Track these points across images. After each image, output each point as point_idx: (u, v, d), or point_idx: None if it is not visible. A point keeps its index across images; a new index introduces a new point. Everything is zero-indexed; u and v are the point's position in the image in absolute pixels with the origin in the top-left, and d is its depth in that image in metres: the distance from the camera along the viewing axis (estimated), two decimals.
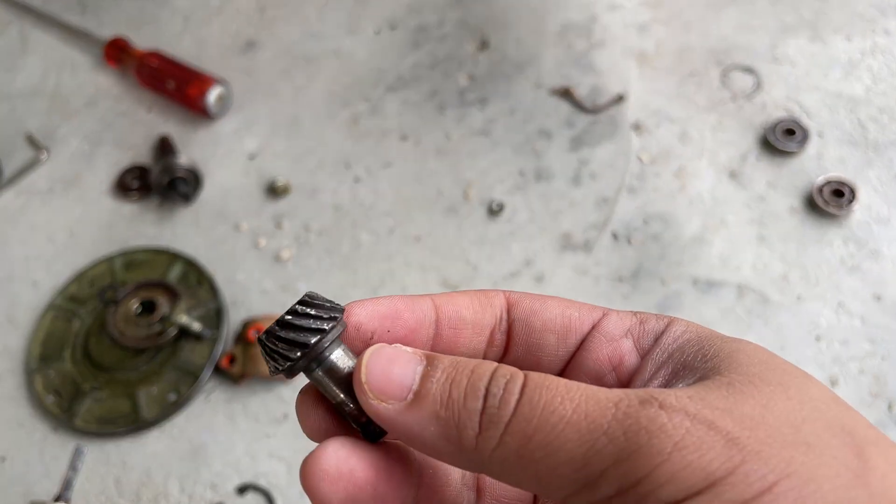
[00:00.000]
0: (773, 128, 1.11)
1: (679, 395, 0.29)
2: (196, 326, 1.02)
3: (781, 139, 1.10)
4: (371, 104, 1.26)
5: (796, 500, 0.26)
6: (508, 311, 0.39)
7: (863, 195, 1.06)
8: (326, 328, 0.34)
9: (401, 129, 1.22)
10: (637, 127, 1.18)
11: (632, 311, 0.38)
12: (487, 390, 0.31)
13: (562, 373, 0.38)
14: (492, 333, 0.38)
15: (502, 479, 0.31)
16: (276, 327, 0.35)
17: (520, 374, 0.31)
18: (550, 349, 0.38)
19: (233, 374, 0.99)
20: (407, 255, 1.09)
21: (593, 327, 0.38)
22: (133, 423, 0.98)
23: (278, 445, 0.96)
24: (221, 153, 1.23)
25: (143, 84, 1.30)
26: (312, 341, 0.34)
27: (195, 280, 1.09)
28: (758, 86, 1.19)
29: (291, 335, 0.34)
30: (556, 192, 1.12)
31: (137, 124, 1.28)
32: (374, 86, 1.28)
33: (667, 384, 0.34)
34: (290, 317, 0.35)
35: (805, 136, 1.10)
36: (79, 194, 1.21)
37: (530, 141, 1.18)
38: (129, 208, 1.19)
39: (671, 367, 0.34)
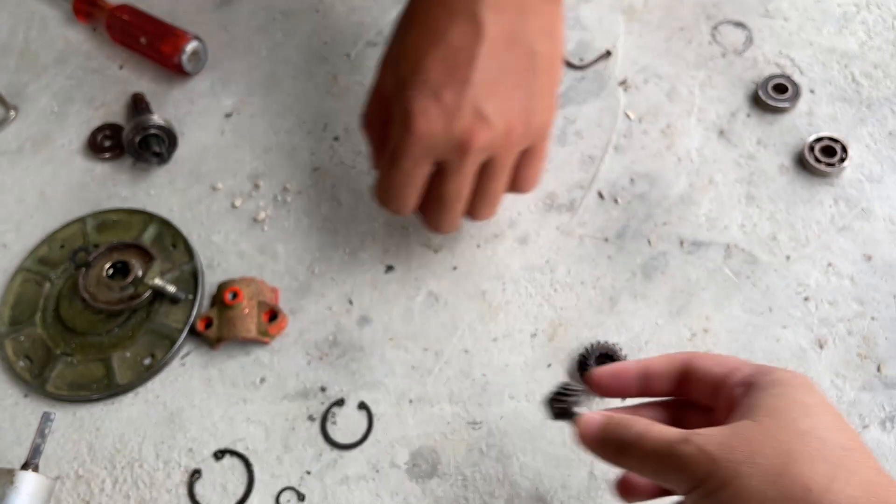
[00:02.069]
0: (764, 84, 1.08)
1: (702, 434, 0.51)
2: (171, 289, 0.99)
3: (772, 96, 1.07)
4: (351, 60, 1.22)
5: (736, 492, 0.47)
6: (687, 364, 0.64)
7: (855, 153, 1.03)
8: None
9: None
10: (625, 84, 1.14)
11: (756, 366, 0.60)
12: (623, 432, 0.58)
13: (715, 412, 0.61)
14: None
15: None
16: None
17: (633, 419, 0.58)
18: (702, 392, 0.63)
19: (209, 337, 0.97)
20: (388, 217, 1.06)
21: (725, 377, 0.60)
22: (106, 388, 0.96)
23: (256, 410, 0.94)
24: (197, 111, 1.19)
25: (114, 40, 1.25)
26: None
27: (170, 242, 1.06)
28: (749, 41, 1.15)
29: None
30: None
31: (109, 82, 1.24)
32: (353, 41, 1.24)
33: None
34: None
35: (797, 92, 1.07)
36: (49, 154, 1.17)
37: None
38: (101, 168, 1.15)
39: (744, 409, 0.54)
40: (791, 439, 0.48)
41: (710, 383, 0.60)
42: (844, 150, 1.01)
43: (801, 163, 1.03)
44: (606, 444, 0.59)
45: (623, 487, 0.73)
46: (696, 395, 0.61)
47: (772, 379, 0.54)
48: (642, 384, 0.66)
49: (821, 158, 1.01)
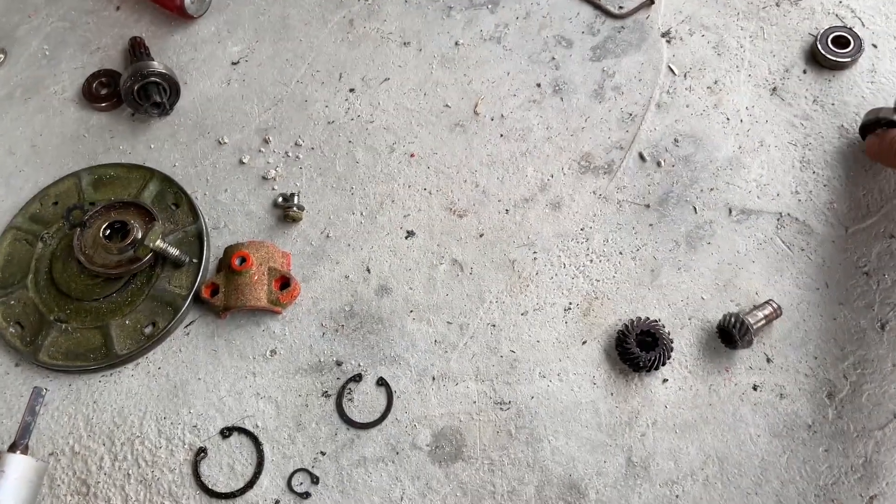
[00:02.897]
0: (823, 37, 0.99)
1: None
2: (174, 252, 0.91)
3: (832, 50, 0.98)
4: (368, 4, 1.12)
5: None
6: None
7: None
8: None
9: (402, 34, 1.09)
10: (668, 35, 1.05)
11: None
12: None
13: None
14: None
15: None
16: None
17: None
18: None
19: (215, 305, 0.90)
20: (409, 175, 0.98)
21: None
22: (104, 357, 0.89)
23: (266, 384, 0.87)
24: (201, 58, 1.10)
25: None
26: None
27: (172, 200, 0.98)
28: None
29: None
30: (576, 107, 1.01)
31: (105, 24, 1.14)
32: None
33: None
34: None
35: (859, 46, 0.98)
36: (40, 102, 1.08)
37: (548, 49, 1.06)
38: (97, 119, 1.06)
39: None
40: None
41: None
42: None
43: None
44: None
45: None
46: None
47: None
48: None
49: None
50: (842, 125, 0.95)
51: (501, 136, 1.00)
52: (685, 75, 1.02)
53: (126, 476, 0.84)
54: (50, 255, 0.95)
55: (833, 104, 0.97)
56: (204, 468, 0.84)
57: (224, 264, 0.92)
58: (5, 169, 1.03)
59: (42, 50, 1.13)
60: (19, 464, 0.72)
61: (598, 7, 1.08)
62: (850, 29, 1.00)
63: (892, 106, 0.84)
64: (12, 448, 0.73)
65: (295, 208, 0.94)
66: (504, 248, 0.93)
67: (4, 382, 0.90)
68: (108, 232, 0.93)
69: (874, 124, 0.86)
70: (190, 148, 1.03)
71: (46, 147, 1.05)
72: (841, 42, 0.98)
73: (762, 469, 0.80)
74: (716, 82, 1.01)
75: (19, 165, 1.03)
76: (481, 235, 0.94)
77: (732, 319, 0.82)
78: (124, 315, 0.91)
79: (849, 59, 0.97)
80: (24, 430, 0.73)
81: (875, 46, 1.00)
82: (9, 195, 1.01)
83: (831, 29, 1.00)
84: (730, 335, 0.83)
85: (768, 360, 0.84)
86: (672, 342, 0.85)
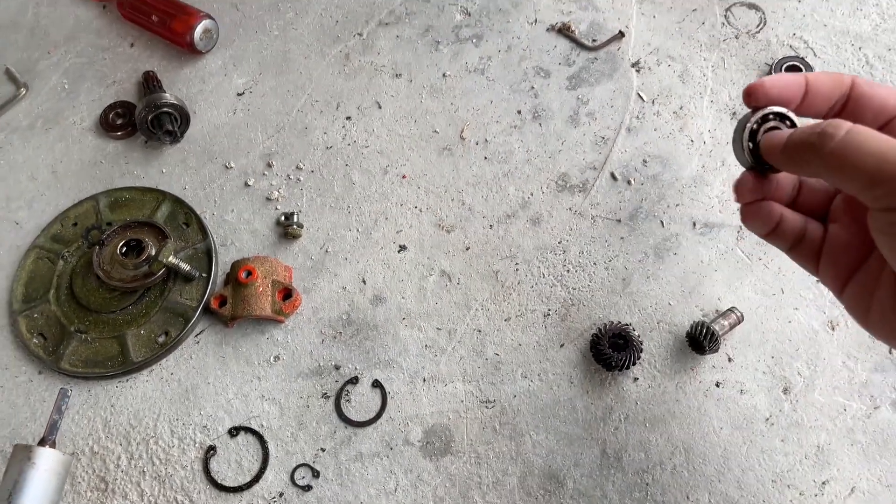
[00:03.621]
0: (778, 66, 1.08)
1: None
2: (185, 267, 0.99)
3: None
4: (363, 40, 1.21)
5: None
6: (851, 90, 0.59)
7: None
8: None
9: (394, 66, 1.18)
10: (637, 65, 1.14)
11: None
12: (832, 125, 0.52)
13: None
14: (835, 103, 0.60)
15: (824, 175, 0.52)
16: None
17: (849, 123, 0.51)
18: (869, 122, 0.57)
19: (223, 315, 0.97)
20: (401, 195, 1.06)
21: None
22: (121, 365, 0.96)
23: (270, 387, 0.94)
24: (209, 90, 1.19)
25: (125, 18, 1.25)
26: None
27: (183, 220, 1.06)
28: (762, 22, 1.15)
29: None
30: (553, 132, 1.09)
31: (120, 60, 1.23)
32: (366, 21, 1.23)
33: None
34: None
35: None
36: (60, 132, 1.17)
37: (527, 79, 1.14)
38: (113, 146, 1.15)
39: None
40: None
41: (882, 113, 0.58)
42: None
43: None
44: (823, 140, 0.52)
45: (751, 188, 0.63)
46: (862, 122, 0.55)
47: None
48: (804, 98, 0.60)
49: None
50: None
51: (485, 158, 1.08)
52: (653, 102, 1.10)
53: (141, 473, 0.91)
54: (70, 272, 1.03)
55: None
56: (213, 465, 0.91)
57: (231, 277, 0.99)
58: (28, 193, 1.11)
59: (62, 84, 1.22)
60: (49, 456, 0.79)
61: (573, 40, 1.17)
62: (803, 59, 1.09)
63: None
64: (42, 443, 0.80)
65: (294, 226, 1.02)
66: (488, 260, 1.01)
67: (29, 389, 0.97)
68: (125, 249, 1.01)
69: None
70: (199, 172, 1.11)
71: (66, 173, 1.13)
72: (794, 70, 1.08)
73: (724, 458, 0.87)
74: (681, 108, 1.09)
75: (41, 190, 1.11)
76: (468, 249, 1.02)
77: (701, 329, 0.89)
78: (139, 325, 0.99)
79: None
80: (52, 427, 0.80)
81: None
82: (31, 217, 1.09)
83: (785, 59, 1.09)
84: (699, 343, 0.90)
85: (730, 360, 0.92)
86: (642, 344, 0.92)
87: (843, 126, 0.51)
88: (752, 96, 0.60)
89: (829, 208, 0.64)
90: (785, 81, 0.59)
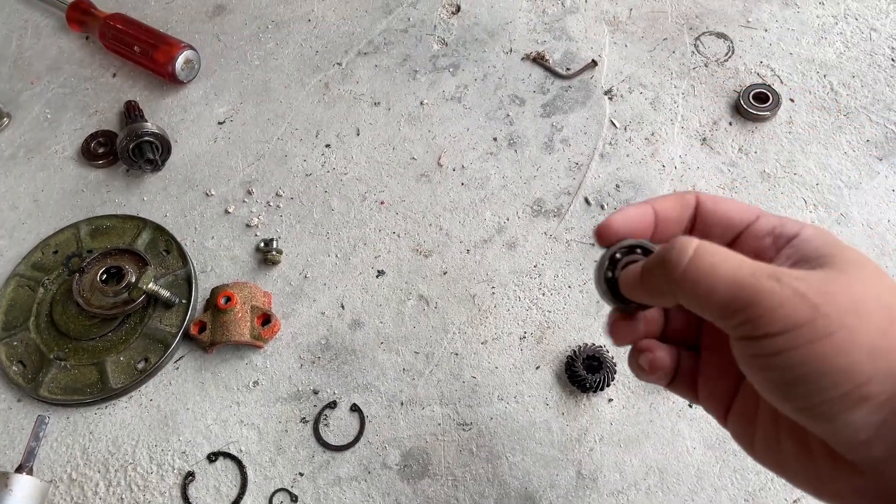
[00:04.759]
0: (746, 93, 1.11)
1: (792, 275, 0.45)
2: (165, 293, 1.00)
3: (753, 105, 1.10)
4: (342, 69, 1.24)
5: (843, 342, 0.42)
6: (697, 208, 0.56)
7: (833, 161, 1.06)
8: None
9: (372, 95, 1.20)
10: (610, 93, 1.17)
11: (777, 216, 0.53)
12: (678, 246, 0.48)
13: None
14: (686, 224, 0.56)
15: (682, 302, 0.48)
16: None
17: (696, 240, 0.47)
18: (717, 238, 0.54)
19: (203, 341, 0.98)
20: (379, 221, 1.08)
21: (747, 226, 0.54)
22: (100, 392, 0.97)
23: (249, 412, 0.95)
24: (190, 119, 1.21)
25: (107, 48, 1.27)
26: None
27: (164, 247, 1.07)
28: (730, 51, 1.18)
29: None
30: (528, 158, 1.12)
31: (102, 90, 1.25)
32: (345, 50, 1.26)
33: (792, 268, 0.48)
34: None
35: (777, 101, 1.10)
36: (42, 161, 1.18)
37: (503, 107, 1.17)
38: (94, 175, 1.16)
39: (796, 258, 0.49)
40: (885, 293, 0.45)
41: (730, 228, 0.55)
42: None
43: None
44: (669, 267, 0.48)
45: (624, 332, 0.59)
46: (712, 240, 0.51)
47: (818, 234, 0.50)
48: (655, 226, 0.56)
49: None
50: (763, 170, 1.07)
51: (462, 184, 1.10)
52: (625, 128, 1.13)
53: (120, 500, 0.91)
54: (50, 299, 1.04)
55: (756, 152, 1.08)
56: (192, 490, 0.91)
57: (211, 304, 1.00)
58: (9, 222, 1.12)
59: (44, 113, 1.23)
60: (26, 483, 0.79)
61: (547, 69, 1.20)
62: (769, 86, 1.12)
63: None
64: (19, 469, 0.80)
65: (274, 252, 1.04)
66: (465, 284, 1.02)
67: (7, 417, 0.97)
68: (105, 276, 1.02)
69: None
70: (180, 200, 1.12)
71: (48, 201, 1.14)
72: (761, 97, 1.11)
73: (698, 478, 0.88)
74: (653, 134, 1.12)
75: (22, 218, 1.12)
76: (445, 273, 1.03)
77: None
78: (119, 352, 0.99)
79: (768, 113, 1.10)
80: (29, 454, 0.81)
81: (792, 101, 1.12)
82: (12, 245, 1.10)
83: (753, 86, 1.12)
84: None
85: None
86: (616, 365, 0.94)
87: (690, 245, 0.47)
88: (603, 237, 0.56)
89: (700, 334, 0.59)
90: (631, 215, 0.56)
